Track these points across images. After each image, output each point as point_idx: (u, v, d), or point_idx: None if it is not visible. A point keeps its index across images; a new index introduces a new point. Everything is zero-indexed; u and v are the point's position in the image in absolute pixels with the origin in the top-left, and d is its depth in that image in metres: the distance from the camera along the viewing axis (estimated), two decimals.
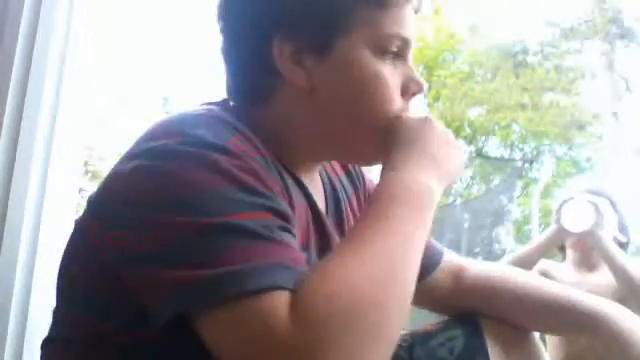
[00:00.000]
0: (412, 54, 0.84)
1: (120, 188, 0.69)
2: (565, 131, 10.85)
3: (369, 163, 0.93)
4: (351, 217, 0.93)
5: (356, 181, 0.98)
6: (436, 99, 11.47)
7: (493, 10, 12.10)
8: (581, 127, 10.94)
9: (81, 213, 0.76)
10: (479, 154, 11.45)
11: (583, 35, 10.54)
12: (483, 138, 11.56)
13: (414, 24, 0.82)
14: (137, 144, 0.71)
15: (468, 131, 11.02)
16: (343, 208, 0.91)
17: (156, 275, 0.62)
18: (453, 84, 11.01)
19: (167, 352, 0.67)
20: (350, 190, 0.96)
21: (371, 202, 0.72)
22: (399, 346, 0.92)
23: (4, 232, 0.99)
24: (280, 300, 0.59)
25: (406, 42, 0.81)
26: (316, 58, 0.78)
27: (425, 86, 0.84)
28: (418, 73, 0.83)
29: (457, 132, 11.52)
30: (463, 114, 10.82)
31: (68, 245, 0.77)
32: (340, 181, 0.95)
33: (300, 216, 0.77)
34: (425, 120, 0.81)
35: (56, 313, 0.78)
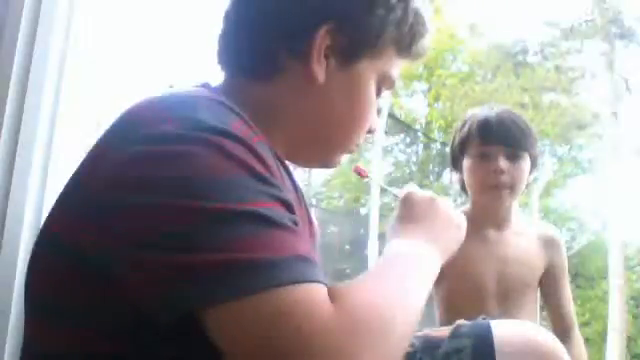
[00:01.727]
0: None
1: (121, 175, 0.63)
2: (565, 131, 10.86)
3: (317, 167, 0.99)
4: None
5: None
6: (436, 99, 11.47)
7: (493, 10, 12.10)
8: (581, 127, 10.94)
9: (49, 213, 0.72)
10: None
11: (583, 35, 10.55)
12: None
13: None
14: (127, 130, 0.67)
15: None
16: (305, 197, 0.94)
17: (182, 261, 0.59)
18: (453, 84, 11.01)
19: None
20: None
21: (385, 255, 0.78)
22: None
23: (4, 232, 0.99)
24: (323, 296, 0.60)
25: (392, 87, 0.90)
26: (340, 63, 0.83)
27: (378, 129, 0.95)
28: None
29: None
30: (463, 114, 10.82)
31: (34, 256, 0.73)
32: None
33: (294, 203, 0.77)
34: (432, 200, 0.89)
35: (27, 340, 0.74)
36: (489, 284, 1.63)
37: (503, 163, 1.60)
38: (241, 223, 0.60)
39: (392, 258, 0.77)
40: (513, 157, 1.62)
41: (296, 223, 0.65)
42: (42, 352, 0.70)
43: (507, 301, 1.62)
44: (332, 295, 0.61)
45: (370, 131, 0.91)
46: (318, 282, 0.61)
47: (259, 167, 0.65)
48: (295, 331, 0.56)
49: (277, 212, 0.63)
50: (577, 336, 1.68)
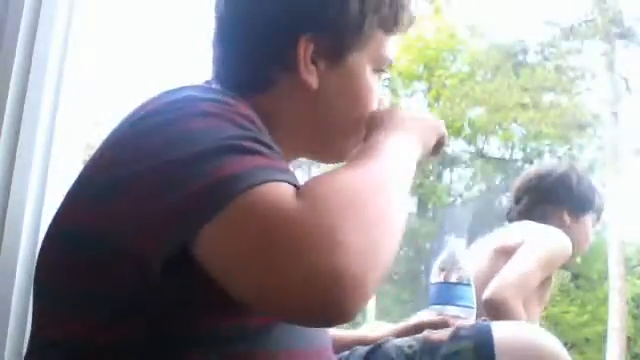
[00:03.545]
0: None
1: (111, 159, 0.69)
2: (565, 131, 10.85)
3: (335, 161, 0.98)
4: None
5: None
6: (436, 99, 11.46)
7: (493, 10, 12.10)
8: (581, 127, 10.93)
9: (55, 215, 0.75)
10: (480, 154, 11.44)
11: (583, 35, 10.54)
12: (483, 138, 11.54)
13: None
14: (122, 123, 0.73)
15: (468, 131, 11.01)
16: None
17: (154, 207, 0.62)
18: (453, 84, 11.00)
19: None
20: None
21: (361, 149, 0.79)
22: (401, 351, 0.92)
23: (4, 232, 0.99)
24: (286, 189, 0.62)
25: (390, 64, 0.92)
26: (329, 63, 0.86)
27: (387, 103, 0.94)
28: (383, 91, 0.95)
29: (457, 132, 11.53)
30: (463, 114, 10.82)
31: (45, 247, 0.76)
32: None
33: None
34: (392, 108, 0.90)
35: (34, 327, 0.77)
36: None
37: None
38: (211, 157, 0.62)
39: (364, 148, 0.78)
40: None
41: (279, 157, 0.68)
42: (46, 341, 0.72)
43: None
44: (299, 188, 0.63)
45: None
46: (280, 181, 0.62)
47: (238, 118, 0.67)
48: (262, 227, 0.59)
49: (249, 144, 0.65)
50: None
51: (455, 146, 10.96)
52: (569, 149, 11.36)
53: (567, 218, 1.89)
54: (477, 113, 11.22)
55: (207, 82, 0.88)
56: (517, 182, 2.01)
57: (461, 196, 11.09)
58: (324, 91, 0.86)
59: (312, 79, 0.85)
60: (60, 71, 1.08)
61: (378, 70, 0.90)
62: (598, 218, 1.98)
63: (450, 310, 1.09)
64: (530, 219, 1.88)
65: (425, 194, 11.87)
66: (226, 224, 0.59)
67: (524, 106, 10.57)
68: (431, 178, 12.12)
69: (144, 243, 0.63)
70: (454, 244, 1.16)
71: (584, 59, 10.79)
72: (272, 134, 0.78)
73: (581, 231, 1.91)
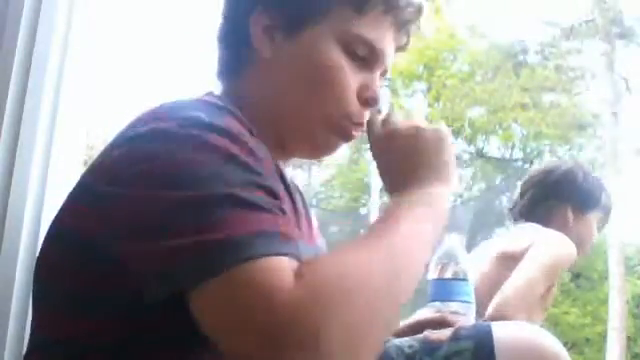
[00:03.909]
0: (381, 73, 0.89)
1: (116, 170, 0.68)
2: (565, 131, 10.85)
3: (319, 155, 0.96)
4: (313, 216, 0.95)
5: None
6: (436, 99, 11.47)
7: (493, 10, 12.11)
8: (581, 127, 10.94)
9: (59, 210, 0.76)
10: (480, 154, 11.44)
11: (583, 35, 10.54)
12: (483, 138, 11.54)
13: (390, 45, 0.88)
14: (125, 131, 0.72)
15: (468, 131, 11.01)
16: (308, 205, 0.95)
17: (156, 247, 0.62)
18: (453, 84, 11.00)
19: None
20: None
21: (385, 211, 0.76)
22: (402, 351, 0.92)
23: (4, 232, 0.99)
24: (286, 267, 0.60)
25: (374, 51, 0.86)
26: (286, 35, 0.85)
27: (380, 100, 0.88)
28: (379, 87, 0.88)
29: (457, 132, 11.54)
30: (463, 114, 10.83)
31: (45, 248, 0.76)
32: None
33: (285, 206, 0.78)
34: (416, 129, 0.84)
35: (33, 326, 0.77)
36: None
37: None
38: (214, 207, 0.62)
39: (381, 221, 0.74)
40: None
41: (280, 209, 0.66)
42: (45, 341, 0.73)
43: None
44: (299, 268, 0.61)
45: (368, 103, 0.87)
46: (284, 255, 0.61)
47: (243, 155, 0.67)
48: (254, 307, 0.58)
49: (253, 195, 0.64)
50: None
51: (455, 146, 10.95)
52: (569, 149, 11.36)
53: (571, 215, 1.85)
54: (477, 113, 11.23)
55: (208, 93, 0.87)
56: (524, 178, 1.99)
57: (461, 196, 11.08)
58: (282, 63, 0.86)
59: (265, 49, 0.86)
60: (60, 71, 1.08)
61: (353, 53, 0.85)
62: (606, 218, 1.94)
63: (449, 306, 1.09)
64: (534, 215, 1.86)
65: None
66: (220, 292, 0.59)
67: (524, 106, 10.57)
68: None
69: (142, 277, 0.64)
70: (452, 240, 1.16)
71: (584, 59, 10.80)
72: (261, 128, 0.78)
73: (585, 230, 1.88)
